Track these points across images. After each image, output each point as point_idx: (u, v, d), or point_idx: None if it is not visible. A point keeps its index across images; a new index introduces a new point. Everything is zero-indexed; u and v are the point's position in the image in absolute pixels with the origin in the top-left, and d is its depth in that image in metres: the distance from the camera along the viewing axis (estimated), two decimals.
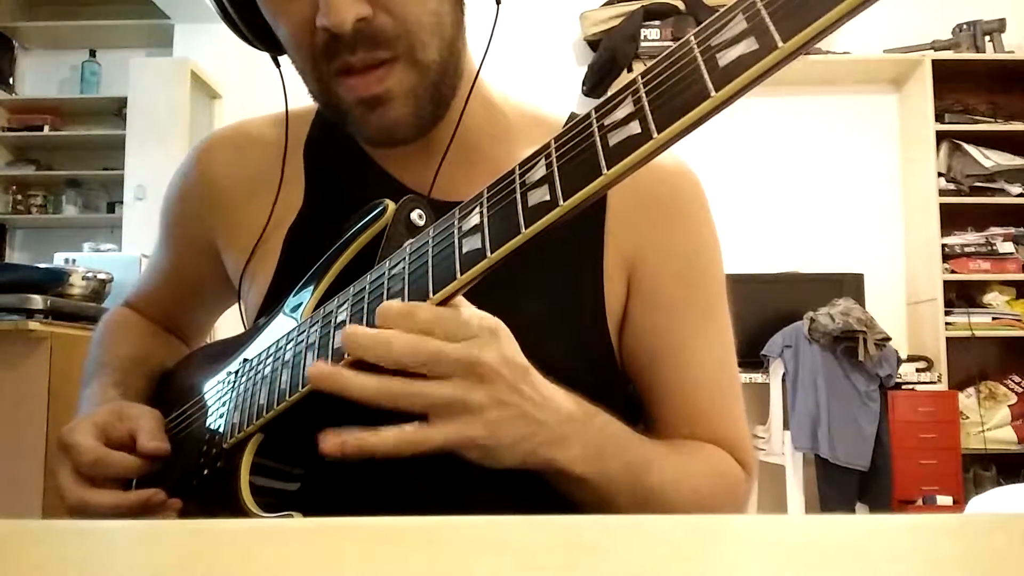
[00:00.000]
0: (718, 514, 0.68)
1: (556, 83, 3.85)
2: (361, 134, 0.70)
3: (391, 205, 0.65)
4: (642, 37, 3.66)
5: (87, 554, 0.30)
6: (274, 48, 0.72)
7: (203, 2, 3.67)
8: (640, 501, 0.62)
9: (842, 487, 3.01)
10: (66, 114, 4.68)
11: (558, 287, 0.71)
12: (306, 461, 0.67)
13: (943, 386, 3.34)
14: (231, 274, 0.81)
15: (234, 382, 0.69)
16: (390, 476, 0.68)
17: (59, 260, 2.93)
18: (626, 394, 0.76)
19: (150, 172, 3.73)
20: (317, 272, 0.68)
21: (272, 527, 0.40)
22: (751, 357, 3.20)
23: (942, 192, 3.53)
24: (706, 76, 0.44)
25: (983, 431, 3.38)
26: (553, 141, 0.51)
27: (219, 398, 0.69)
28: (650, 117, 0.46)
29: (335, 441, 0.53)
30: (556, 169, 0.50)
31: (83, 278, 2.22)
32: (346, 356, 0.55)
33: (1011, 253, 3.53)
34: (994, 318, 3.49)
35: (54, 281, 2.14)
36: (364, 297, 0.59)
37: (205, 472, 0.67)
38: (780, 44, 0.41)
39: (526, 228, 0.50)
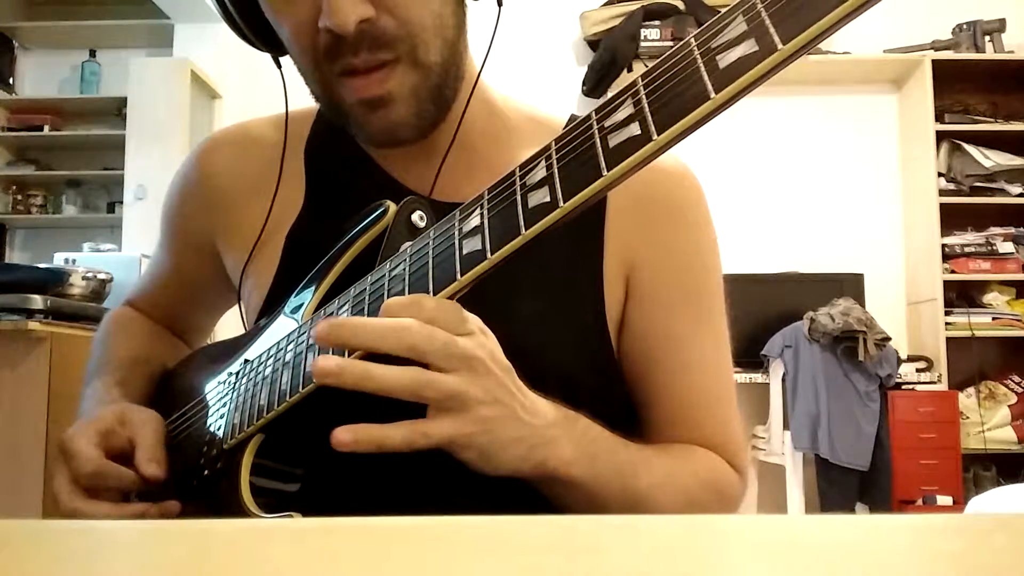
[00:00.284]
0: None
1: (556, 83, 3.85)
2: (362, 135, 0.70)
3: (392, 206, 0.65)
4: (642, 37, 3.66)
5: (87, 554, 0.30)
6: (275, 49, 0.71)
7: (203, 2, 3.67)
8: (629, 504, 0.62)
9: (842, 487, 3.01)
10: (66, 114, 4.68)
11: (557, 288, 0.71)
12: (306, 462, 0.67)
13: (943, 386, 3.34)
14: (231, 275, 0.81)
15: (235, 383, 0.69)
16: (389, 476, 0.68)
17: (59, 260, 2.93)
18: (625, 395, 0.76)
19: (150, 172, 3.73)
20: (318, 273, 0.68)
21: (272, 527, 0.40)
22: (751, 357, 3.20)
23: (942, 192, 3.53)
24: (706, 78, 0.44)
25: (983, 431, 3.38)
26: (553, 143, 0.51)
27: (220, 399, 0.70)
28: (650, 119, 0.46)
29: (348, 435, 0.52)
30: (556, 171, 0.50)
31: (83, 278, 2.22)
32: (349, 351, 0.55)
33: (1011, 253, 3.53)
34: (994, 318, 3.49)
35: (54, 281, 2.14)
36: (365, 298, 0.59)
37: (205, 472, 0.67)
38: (780, 46, 0.41)
39: (526, 229, 0.50)
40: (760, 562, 0.27)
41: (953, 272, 3.51)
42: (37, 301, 2.00)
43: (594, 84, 3.75)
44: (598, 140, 0.48)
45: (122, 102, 4.14)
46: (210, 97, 4.09)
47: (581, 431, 0.61)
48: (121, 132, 4.07)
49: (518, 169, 0.53)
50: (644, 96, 0.46)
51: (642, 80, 0.47)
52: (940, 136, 3.57)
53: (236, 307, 0.83)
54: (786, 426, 3.10)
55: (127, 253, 3.34)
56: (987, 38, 3.64)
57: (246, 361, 0.69)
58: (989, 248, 3.53)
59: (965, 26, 3.65)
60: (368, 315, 0.57)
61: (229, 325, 0.88)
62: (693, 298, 0.73)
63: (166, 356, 0.85)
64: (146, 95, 3.86)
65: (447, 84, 0.68)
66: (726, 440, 0.73)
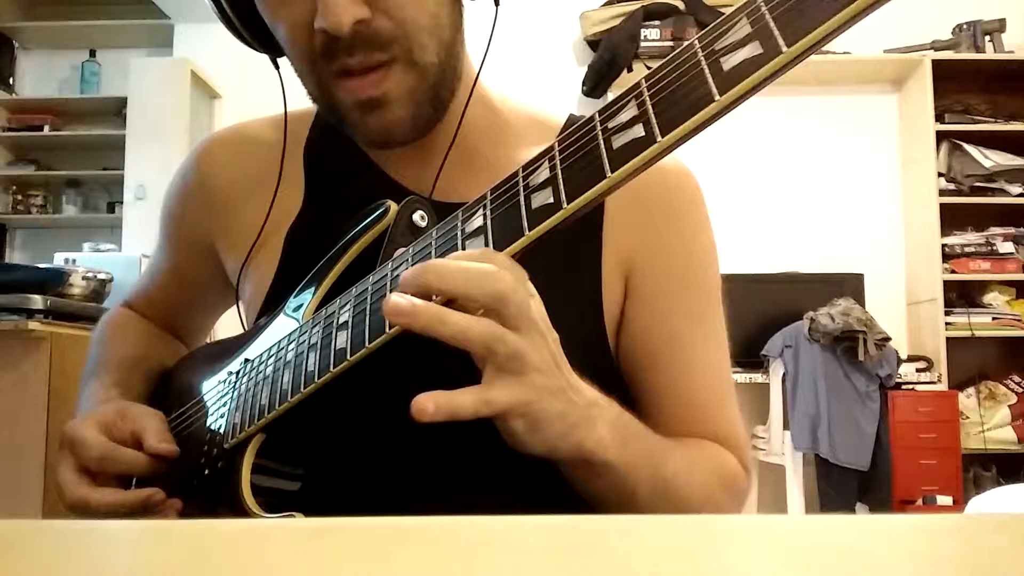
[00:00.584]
0: (724, 509, 0.68)
1: (556, 83, 3.85)
2: (360, 136, 0.70)
3: (393, 206, 0.65)
4: (642, 37, 3.66)
5: (87, 554, 0.30)
6: (273, 50, 0.71)
7: (203, 2, 3.64)
8: (659, 493, 0.61)
9: (842, 487, 3.01)
10: (66, 114, 4.68)
11: (557, 288, 0.71)
12: (307, 461, 0.67)
13: (943, 386, 3.34)
14: (230, 275, 0.81)
15: (235, 382, 0.69)
16: (390, 476, 0.68)
17: (59, 260, 2.94)
18: (624, 395, 0.76)
19: (150, 172, 3.73)
20: (318, 273, 0.68)
21: (273, 527, 0.40)
22: (751, 357, 3.19)
23: (942, 192, 3.53)
24: (710, 80, 0.44)
25: (983, 431, 3.38)
26: (557, 144, 0.51)
27: (220, 398, 0.69)
28: (654, 120, 0.46)
29: (431, 405, 0.49)
30: (560, 172, 0.50)
31: (83, 278, 2.22)
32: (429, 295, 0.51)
33: (1011, 253, 3.53)
34: (994, 318, 3.49)
35: (54, 281, 2.14)
36: (367, 299, 0.58)
37: (206, 472, 0.67)
38: (784, 48, 0.41)
39: (529, 230, 0.50)
40: (760, 562, 0.27)
41: (953, 272, 3.51)
42: (37, 301, 2.00)
43: (594, 84, 3.75)
44: (602, 141, 0.48)
45: (122, 102, 4.14)
46: (210, 97, 4.09)
47: (616, 414, 0.59)
48: (121, 132, 4.07)
49: (521, 170, 0.53)
50: (648, 98, 0.46)
51: (646, 82, 0.47)
52: (940, 136, 3.57)
53: (235, 307, 0.83)
54: (786, 426, 3.10)
55: (127, 253, 3.34)
56: (987, 38, 3.64)
57: (246, 360, 0.69)
58: (989, 248, 3.54)
59: (965, 26, 3.65)
60: (370, 315, 0.57)
61: (229, 325, 0.88)
62: (692, 298, 0.73)
63: (164, 356, 0.85)
64: (146, 95, 3.86)
65: (444, 85, 0.68)
66: (732, 437, 0.73)
